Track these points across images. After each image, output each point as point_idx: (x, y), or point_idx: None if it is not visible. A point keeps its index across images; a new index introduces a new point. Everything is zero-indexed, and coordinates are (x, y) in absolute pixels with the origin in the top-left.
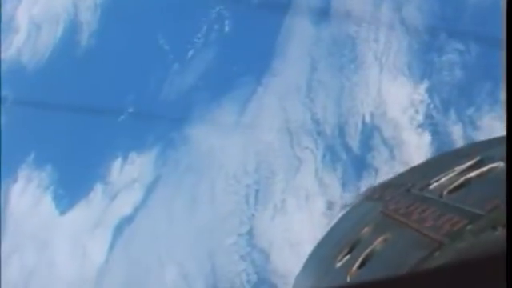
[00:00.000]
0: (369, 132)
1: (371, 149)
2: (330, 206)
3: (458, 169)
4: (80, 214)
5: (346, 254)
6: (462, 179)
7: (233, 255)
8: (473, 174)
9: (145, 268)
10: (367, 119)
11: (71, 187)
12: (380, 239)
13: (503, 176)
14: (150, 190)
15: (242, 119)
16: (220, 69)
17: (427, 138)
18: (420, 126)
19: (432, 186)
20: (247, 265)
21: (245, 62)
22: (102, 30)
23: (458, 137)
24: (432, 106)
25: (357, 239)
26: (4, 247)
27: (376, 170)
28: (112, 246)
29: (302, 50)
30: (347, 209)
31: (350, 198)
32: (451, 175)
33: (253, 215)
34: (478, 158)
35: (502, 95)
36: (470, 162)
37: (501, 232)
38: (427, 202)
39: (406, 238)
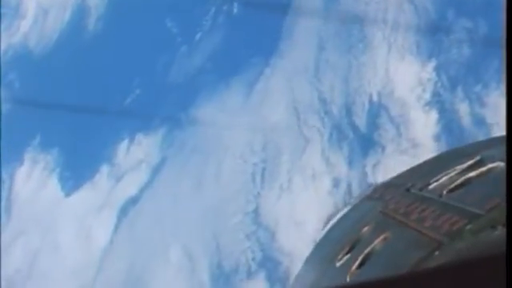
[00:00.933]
0: (376, 111)
1: (378, 127)
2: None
3: (459, 168)
4: (85, 195)
5: (347, 253)
6: (462, 179)
7: (238, 234)
8: (473, 173)
9: (150, 249)
10: (374, 98)
11: (77, 169)
12: (380, 238)
13: (503, 176)
14: (156, 170)
15: (249, 100)
16: (228, 50)
17: (434, 115)
18: (427, 104)
19: (432, 186)
20: (252, 243)
21: (252, 44)
22: (110, 13)
23: (464, 114)
24: (439, 84)
25: (357, 238)
26: (9, 229)
27: (383, 148)
28: (117, 228)
29: (309, 30)
30: (348, 208)
31: (355, 176)
32: (451, 175)
33: (259, 194)
34: (478, 158)
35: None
36: (470, 162)
37: (500, 231)
38: (427, 202)
39: (405, 237)
